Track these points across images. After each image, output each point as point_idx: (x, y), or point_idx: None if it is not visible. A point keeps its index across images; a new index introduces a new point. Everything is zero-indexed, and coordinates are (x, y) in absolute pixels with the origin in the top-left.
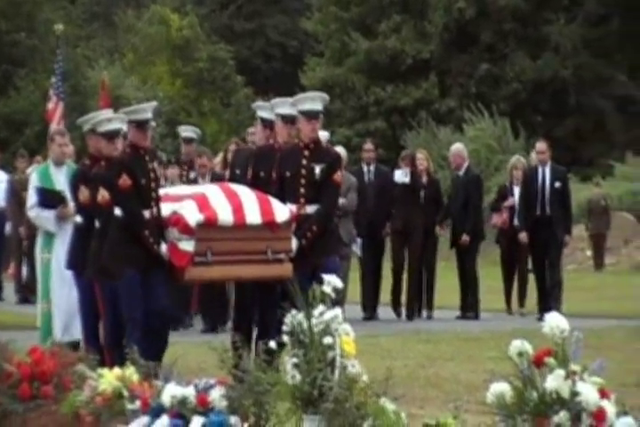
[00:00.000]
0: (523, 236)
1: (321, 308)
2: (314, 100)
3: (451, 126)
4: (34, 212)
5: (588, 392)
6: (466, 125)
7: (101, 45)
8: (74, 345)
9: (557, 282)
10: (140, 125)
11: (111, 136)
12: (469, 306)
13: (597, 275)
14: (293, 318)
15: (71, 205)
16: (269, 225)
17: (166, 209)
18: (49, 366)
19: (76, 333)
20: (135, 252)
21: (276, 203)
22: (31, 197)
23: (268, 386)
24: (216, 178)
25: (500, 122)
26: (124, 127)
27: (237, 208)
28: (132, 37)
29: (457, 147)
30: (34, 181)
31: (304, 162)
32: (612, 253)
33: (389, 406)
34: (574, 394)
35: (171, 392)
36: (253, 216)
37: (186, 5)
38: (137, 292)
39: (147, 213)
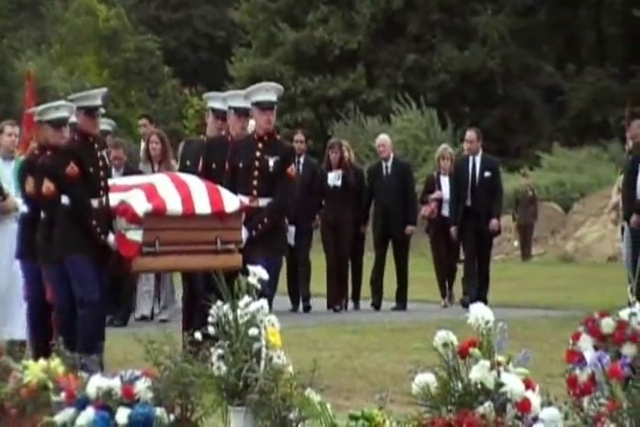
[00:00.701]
0: (453, 230)
1: (246, 299)
2: (268, 91)
3: (378, 117)
4: None
5: (512, 383)
6: (393, 116)
7: (28, 36)
8: (13, 343)
9: (485, 273)
10: (90, 112)
11: (58, 124)
12: (404, 297)
13: (524, 265)
14: (219, 309)
15: (11, 199)
16: (218, 215)
17: (114, 199)
18: None
19: (15, 331)
20: (83, 240)
21: (225, 193)
22: None
23: (194, 377)
24: (129, 172)
25: (427, 112)
26: (72, 116)
27: (186, 198)
28: (60, 28)
29: (382, 137)
30: None
31: (258, 154)
32: (539, 243)
33: (315, 397)
34: (499, 385)
35: (96, 384)
36: (202, 206)
37: None
38: (88, 273)
39: (95, 202)
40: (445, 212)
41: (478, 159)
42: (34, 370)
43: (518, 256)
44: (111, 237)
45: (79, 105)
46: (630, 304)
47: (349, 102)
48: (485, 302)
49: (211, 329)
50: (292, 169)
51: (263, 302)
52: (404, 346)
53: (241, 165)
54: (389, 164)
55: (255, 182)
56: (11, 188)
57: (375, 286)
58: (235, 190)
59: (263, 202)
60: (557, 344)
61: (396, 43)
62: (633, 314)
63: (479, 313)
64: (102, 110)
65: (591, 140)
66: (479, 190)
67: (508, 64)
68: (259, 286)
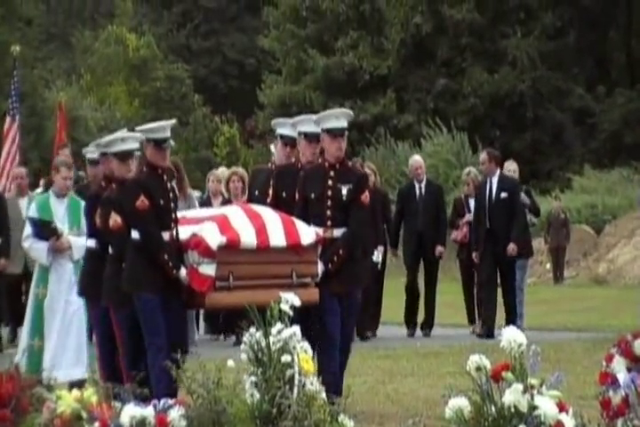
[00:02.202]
0: (475, 255)
1: (279, 326)
2: (338, 118)
3: (409, 142)
4: (27, 242)
5: (546, 406)
6: (424, 141)
7: (58, 66)
8: (77, 384)
9: (510, 301)
10: (159, 144)
11: (124, 157)
12: (431, 323)
13: (556, 288)
14: (251, 336)
15: (65, 238)
16: (294, 248)
17: (185, 232)
18: (7, 388)
19: (79, 372)
20: (154, 276)
21: (300, 224)
22: (27, 228)
23: (227, 405)
24: None
25: (457, 136)
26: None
27: (260, 230)
28: (89, 58)
29: (417, 159)
30: (31, 211)
31: (330, 183)
32: (571, 266)
33: (349, 423)
34: (532, 408)
35: (129, 413)
36: (277, 238)
37: (143, 25)
38: (157, 316)
39: (166, 236)
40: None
41: (495, 181)
42: (67, 400)
43: (550, 279)
44: (183, 272)
45: (148, 137)
46: None
47: (380, 127)
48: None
49: (243, 356)
50: (365, 196)
51: (295, 329)
52: (436, 370)
53: (312, 195)
54: (423, 185)
55: (329, 212)
56: (64, 226)
57: (410, 310)
58: (307, 221)
59: (337, 232)
60: (590, 366)
61: (425, 67)
62: None
63: (512, 337)
64: (172, 142)
65: (622, 162)
66: (497, 213)
67: (538, 87)
68: (290, 313)
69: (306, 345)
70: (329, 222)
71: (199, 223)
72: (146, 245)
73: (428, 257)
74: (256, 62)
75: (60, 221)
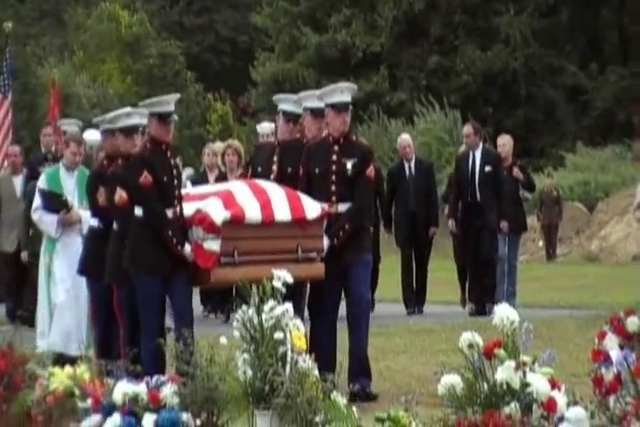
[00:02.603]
0: (450, 223)
1: (271, 303)
2: (343, 92)
3: (402, 119)
4: (37, 214)
5: (538, 383)
6: (417, 118)
7: (51, 43)
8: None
9: (489, 271)
10: (163, 119)
11: (129, 132)
12: (423, 300)
13: (549, 265)
14: (244, 313)
15: (75, 211)
16: (299, 222)
17: (189, 208)
18: None
19: (75, 348)
20: (157, 254)
21: (305, 199)
22: (36, 200)
23: (220, 382)
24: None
25: (450, 114)
26: (144, 123)
27: (265, 205)
28: (82, 35)
29: (405, 137)
30: (41, 182)
31: (334, 157)
32: (563, 243)
33: (341, 400)
34: (525, 385)
35: (122, 390)
36: (282, 213)
37: (135, 2)
38: (155, 300)
39: (169, 212)
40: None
41: (478, 154)
42: (60, 377)
43: (543, 256)
44: (188, 248)
45: (152, 111)
46: None
47: (372, 105)
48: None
49: (236, 333)
50: (370, 170)
51: (288, 306)
52: (429, 348)
53: (317, 170)
54: (412, 164)
55: (333, 187)
56: (74, 199)
57: (408, 290)
58: (312, 196)
59: (343, 207)
60: (583, 344)
61: (418, 45)
62: None
63: (504, 314)
64: (175, 117)
65: (615, 140)
66: (482, 186)
67: (530, 64)
68: (283, 290)
69: (298, 322)
70: (334, 197)
71: (203, 199)
72: (149, 221)
73: (421, 237)
74: (249, 39)
75: (70, 194)
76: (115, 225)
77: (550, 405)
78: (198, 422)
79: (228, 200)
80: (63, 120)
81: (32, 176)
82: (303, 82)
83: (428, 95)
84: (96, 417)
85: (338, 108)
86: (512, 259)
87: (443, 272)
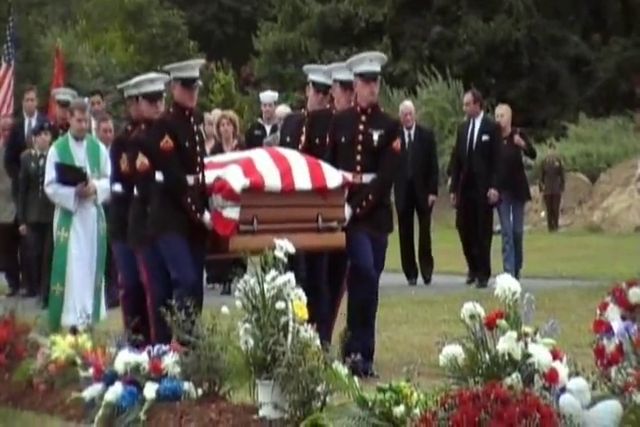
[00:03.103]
0: (452, 197)
1: (273, 273)
2: (372, 62)
3: (404, 89)
4: (51, 188)
5: (539, 354)
6: (419, 88)
7: (54, 12)
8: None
9: (484, 250)
10: (187, 84)
11: (153, 98)
12: (430, 270)
13: (551, 236)
14: (246, 283)
15: (90, 183)
16: (320, 191)
17: (210, 176)
18: (1, 334)
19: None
20: (178, 219)
21: (327, 167)
22: (49, 173)
23: (221, 352)
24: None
25: (453, 84)
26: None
27: (286, 172)
28: (85, 4)
29: (407, 104)
30: (52, 155)
31: (361, 127)
32: (565, 213)
33: (342, 370)
34: (526, 356)
35: (124, 359)
36: (303, 181)
37: None
38: (185, 255)
39: (191, 179)
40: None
41: (478, 122)
42: (62, 346)
43: (545, 227)
44: (207, 216)
45: (175, 76)
46: None
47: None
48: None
49: (238, 303)
50: (397, 143)
51: (290, 276)
52: (431, 318)
53: (343, 139)
54: (412, 132)
55: (358, 157)
56: (87, 169)
57: (408, 260)
58: (337, 166)
59: (367, 178)
60: (585, 315)
61: (421, 15)
62: None
63: (506, 284)
64: (200, 82)
65: (617, 111)
66: (476, 156)
67: (533, 35)
68: (285, 260)
69: (300, 292)
70: (358, 168)
71: (223, 167)
72: (169, 187)
73: (421, 206)
74: (252, 9)
75: (82, 164)
76: (135, 191)
77: (552, 376)
78: (200, 391)
79: (248, 167)
80: (57, 89)
81: (15, 143)
82: (306, 52)
83: (430, 66)
84: (98, 386)
85: (366, 77)
86: (517, 228)
87: (444, 243)
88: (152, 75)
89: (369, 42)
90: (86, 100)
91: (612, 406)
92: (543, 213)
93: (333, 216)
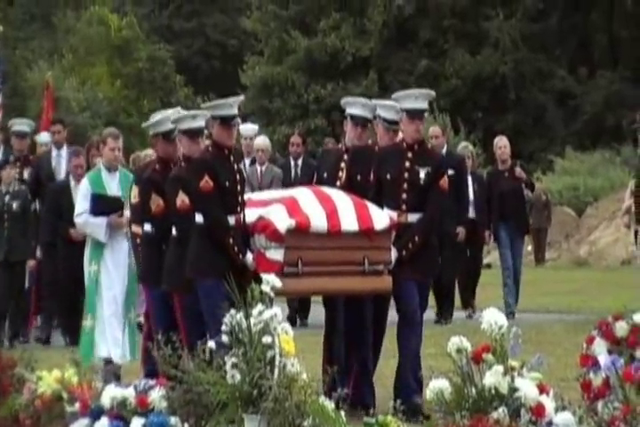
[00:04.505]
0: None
1: (260, 307)
2: (417, 98)
3: None
4: (82, 218)
5: (526, 388)
6: None
7: (41, 47)
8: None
9: (448, 280)
10: (226, 122)
11: (194, 135)
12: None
13: (538, 270)
14: (232, 317)
15: (126, 213)
16: (367, 233)
17: (251, 215)
18: None
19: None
20: (219, 262)
21: (374, 208)
22: (80, 204)
23: (208, 386)
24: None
25: (440, 118)
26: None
27: (332, 213)
28: (72, 38)
29: (436, 129)
30: (85, 187)
31: (407, 165)
32: (552, 247)
33: (329, 404)
34: (513, 390)
35: (110, 394)
36: (349, 222)
37: (125, 5)
38: (222, 303)
39: (232, 220)
40: (471, 214)
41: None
42: (48, 381)
43: (532, 261)
44: (249, 257)
45: (214, 114)
46: None
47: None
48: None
49: (224, 338)
50: (444, 181)
51: (277, 310)
52: None
53: (388, 176)
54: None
55: (404, 196)
56: (122, 199)
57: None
58: (381, 204)
59: (413, 217)
60: (571, 349)
61: (407, 49)
62: None
63: (492, 318)
64: (239, 120)
65: (604, 144)
66: None
67: (520, 69)
68: (272, 295)
69: (287, 326)
70: (404, 206)
71: (266, 206)
72: (210, 228)
73: (449, 240)
74: (238, 43)
75: (115, 195)
76: (174, 231)
77: (539, 410)
78: (187, 426)
79: (293, 207)
80: (13, 120)
81: None
82: (292, 86)
83: None
84: (84, 421)
85: (412, 114)
86: (517, 263)
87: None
88: (194, 111)
89: (356, 76)
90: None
91: None
92: (530, 247)
93: (380, 259)
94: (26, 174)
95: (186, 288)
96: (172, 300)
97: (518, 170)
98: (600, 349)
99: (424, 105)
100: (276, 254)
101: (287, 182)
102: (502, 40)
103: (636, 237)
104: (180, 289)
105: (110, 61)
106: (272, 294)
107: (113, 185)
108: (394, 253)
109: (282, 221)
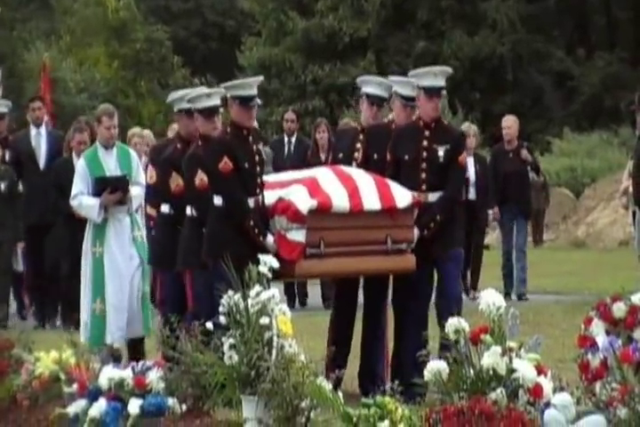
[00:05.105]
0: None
1: (257, 288)
2: (436, 76)
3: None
4: (77, 200)
5: (524, 369)
6: None
7: (38, 28)
8: (137, 342)
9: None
10: (245, 102)
11: (210, 113)
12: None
13: (536, 251)
14: (230, 298)
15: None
16: (389, 211)
17: (271, 196)
18: None
19: (138, 329)
20: (239, 243)
21: (395, 186)
22: (75, 185)
23: (206, 367)
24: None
25: None
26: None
27: (353, 192)
28: (69, 19)
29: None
30: (81, 167)
31: (425, 143)
32: (550, 229)
33: (327, 385)
34: (511, 371)
35: (108, 375)
36: (371, 201)
37: None
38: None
39: (251, 202)
40: (471, 195)
41: None
42: (46, 362)
43: (530, 242)
44: (270, 239)
45: (233, 94)
46: None
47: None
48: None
49: (222, 319)
50: (462, 157)
51: (274, 291)
52: None
53: (406, 156)
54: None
55: (424, 175)
56: (128, 176)
57: None
58: (400, 184)
59: (433, 197)
60: (569, 330)
61: (405, 30)
62: None
63: (491, 299)
64: (259, 101)
65: (602, 125)
66: None
67: (518, 50)
68: (269, 275)
69: (284, 307)
70: (424, 186)
71: (285, 187)
72: (229, 211)
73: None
74: (236, 24)
75: (112, 172)
76: (191, 210)
77: (536, 391)
78: (184, 407)
79: (314, 187)
80: None
81: None
82: (290, 67)
83: None
84: (82, 402)
85: (430, 92)
86: (521, 245)
87: None
88: (209, 89)
89: (353, 57)
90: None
91: (596, 421)
92: (528, 228)
93: (403, 237)
94: (7, 156)
95: (201, 267)
96: (184, 282)
97: (525, 152)
98: (598, 330)
99: (442, 82)
100: (298, 236)
101: (280, 159)
102: (500, 21)
103: (633, 219)
104: (194, 268)
105: (108, 42)
106: (269, 275)
107: (111, 163)
108: (416, 232)
109: (303, 201)
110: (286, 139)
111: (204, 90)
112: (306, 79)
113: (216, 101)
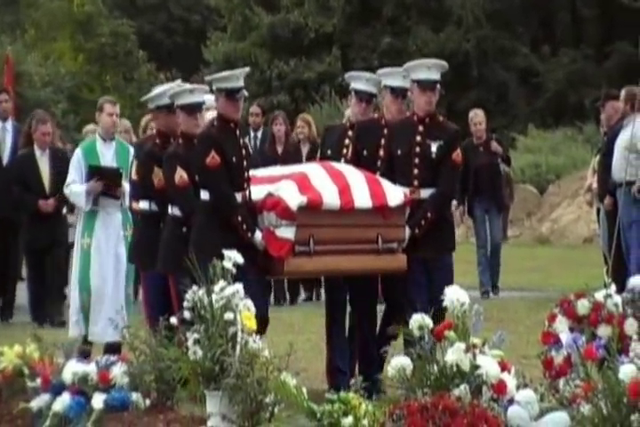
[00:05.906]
0: None
1: (222, 283)
2: (430, 69)
3: None
4: (68, 189)
5: (488, 365)
6: None
7: (2, 21)
8: (116, 346)
9: None
10: (231, 95)
11: (192, 110)
12: None
13: None
14: (194, 293)
15: (123, 187)
16: (381, 210)
17: (259, 192)
18: None
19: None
20: (225, 240)
21: (387, 184)
22: (70, 174)
23: (170, 362)
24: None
25: None
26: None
27: (344, 190)
28: (34, 13)
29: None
30: (77, 157)
31: (418, 139)
32: (514, 225)
33: (291, 381)
34: (474, 367)
35: (72, 369)
36: (362, 199)
37: None
38: None
39: (239, 196)
40: None
41: None
42: (9, 356)
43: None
44: (258, 235)
45: (219, 87)
46: (606, 286)
47: (325, 85)
48: None
49: (186, 314)
50: (457, 154)
51: (239, 287)
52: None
53: (399, 152)
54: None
55: (416, 171)
56: (121, 170)
57: None
58: (392, 181)
59: (425, 193)
60: (533, 326)
61: (371, 25)
62: (608, 296)
63: (454, 296)
64: (245, 93)
65: (567, 122)
66: None
67: (483, 46)
68: (234, 270)
69: (248, 302)
70: (416, 182)
71: (274, 182)
72: (217, 206)
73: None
74: (201, 19)
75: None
76: (173, 209)
77: (500, 387)
78: (148, 402)
79: (303, 184)
80: None
81: None
82: (255, 62)
83: None
84: (45, 396)
85: (423, 85)
86: (496, 239)
87: None
88: (191, 85)
89: (318, 52)
90: None
91: (559, 418)
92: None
93: (394, 237)
94: None
95: (184, 270)
96: (166, 281)
97: (494, 144)
98: (562, 326)
99: (436, 76)
100: (287, 233)
101: None
102: (465, 17)
103: (598, 215)
104: (176, 272)
105: (73, 36)
106: (234, 271)
107: (108, 155)
108: (407, 231)
109: (293, 198)
110: (252, 133)
111: (186, 86)
112: (271, 74)
113: (198, 98)
